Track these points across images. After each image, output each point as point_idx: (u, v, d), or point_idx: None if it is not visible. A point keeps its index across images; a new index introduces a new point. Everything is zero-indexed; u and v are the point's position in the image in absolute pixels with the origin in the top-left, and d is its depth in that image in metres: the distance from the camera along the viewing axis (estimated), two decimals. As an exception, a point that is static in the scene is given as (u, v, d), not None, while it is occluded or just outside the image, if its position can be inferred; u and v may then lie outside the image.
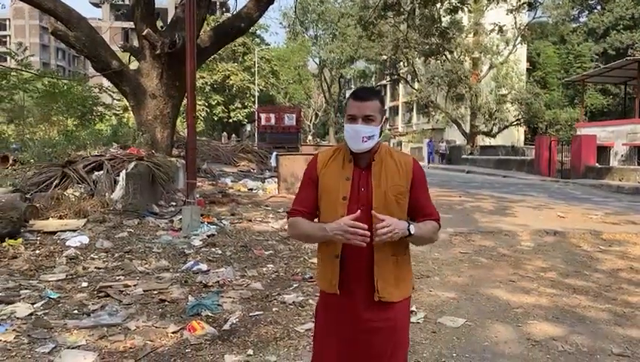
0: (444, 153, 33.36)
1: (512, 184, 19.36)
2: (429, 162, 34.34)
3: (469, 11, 23.33)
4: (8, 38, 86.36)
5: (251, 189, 14.28)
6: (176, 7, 17.51)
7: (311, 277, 5.75)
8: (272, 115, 30.29)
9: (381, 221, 1.98)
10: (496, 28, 24.12)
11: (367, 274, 2.12)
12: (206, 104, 43.89)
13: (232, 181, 15.42)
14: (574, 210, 11.28)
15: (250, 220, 9.28)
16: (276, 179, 14.22)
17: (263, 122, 30.40)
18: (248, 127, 54.64)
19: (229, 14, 37.58)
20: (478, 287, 5.62)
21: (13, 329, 4.07)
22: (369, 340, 2.16)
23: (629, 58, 26.35)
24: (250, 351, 3.81)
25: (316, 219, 2.24)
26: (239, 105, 46.73)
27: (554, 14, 38.64)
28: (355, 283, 2.14)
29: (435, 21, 23.15)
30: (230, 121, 47.28)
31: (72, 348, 3.76)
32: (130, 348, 3.82)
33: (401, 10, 19.63)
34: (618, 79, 29.16)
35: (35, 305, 4.64)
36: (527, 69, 44.83)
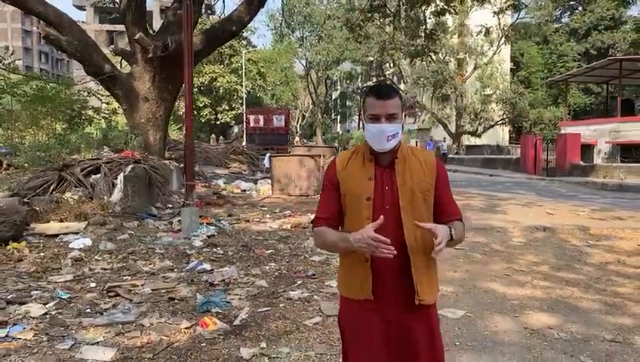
0: (445, 152, 33.25)
1: (500, 182, 19.71)
2: None
3: (455, 13, 23.65)
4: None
5: (245, 190, 14.42)
6: (162, 10, 17.55)
7: (313, 275, 5.93)
8: (261, 117, 30.45)
9: (427, 229, 1.95)
10: (483, 30, 24.50)
11: (401, 276, 2.03)
12: (193, 106, 43.78)
13: (224, 183, 15.54)
14: (562, 207, 11.59)
15: (248, 221, 9.43)
16: (269, 180, 14.35)
17: (251, 124, 30.54)
18: (236, 129, 54.61)
19: (214, 17, 37.61)
20: (475, 281, 5.84)
21: (31, 328, 4.18)
22: (410, 346, 2.07)
23: (610, 58, 26.84)
24: (264, 344, 3.96)
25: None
26: (226, 107, 46.69)
27: (537, 15, 39.40)
28: (388, 287, 2.05)
29: (420, 23, 23.45)
30: (218, 122, 47.24)
31: (92, 345, 3.89)
32: (147, 343, 3.95)
33: (387, 12, 19.87)
34: (600, 78, 29.70)
35: (47, 305, 4.74)
36: (512, 69, 45.44)
